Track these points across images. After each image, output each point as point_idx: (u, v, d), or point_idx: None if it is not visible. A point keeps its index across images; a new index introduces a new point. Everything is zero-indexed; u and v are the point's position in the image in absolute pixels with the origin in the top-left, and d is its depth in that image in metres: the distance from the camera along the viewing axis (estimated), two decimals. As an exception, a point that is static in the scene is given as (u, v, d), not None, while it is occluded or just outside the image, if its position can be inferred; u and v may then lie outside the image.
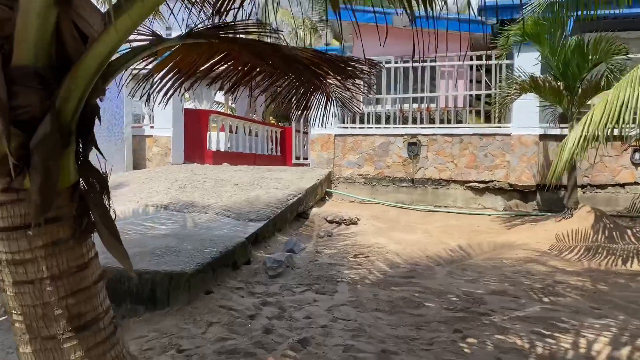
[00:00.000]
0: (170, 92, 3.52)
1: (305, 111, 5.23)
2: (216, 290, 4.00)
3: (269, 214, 5.67)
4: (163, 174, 7.99)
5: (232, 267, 4.45)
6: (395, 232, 6.58)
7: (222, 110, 14.27)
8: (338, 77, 3.92)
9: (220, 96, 17.70)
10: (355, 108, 5.50)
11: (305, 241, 5.87)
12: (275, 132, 14.04)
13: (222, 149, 11.09)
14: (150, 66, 3.31)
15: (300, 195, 6.57)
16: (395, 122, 8.75)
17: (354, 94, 5.27)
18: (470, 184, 8.00)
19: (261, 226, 5.24)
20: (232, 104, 13.73)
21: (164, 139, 9.39)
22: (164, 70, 3.24)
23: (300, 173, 7.99)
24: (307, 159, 9.90)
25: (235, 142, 11.56)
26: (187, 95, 14.78)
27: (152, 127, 9.67)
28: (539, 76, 6.41)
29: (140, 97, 3.42)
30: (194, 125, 10.13)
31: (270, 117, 18.42)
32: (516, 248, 5.72)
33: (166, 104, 3.27)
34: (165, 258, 4.12)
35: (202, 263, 3.97)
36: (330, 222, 6.76)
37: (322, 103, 5.28)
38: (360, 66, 3.82)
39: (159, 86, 3.30)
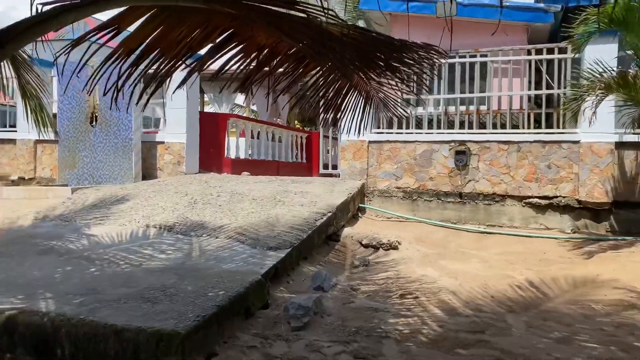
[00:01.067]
0: (153, 86, 2.60)
1: (338, 114, 4.25)
2: (221, 352, 3.04)
3: (293, 239, 4.69)
4: (173, 186, 7.12)
5: (245, 315, 3.48)
6: (446, 260, 5.51)
7: (243, 114, 13.43)
8: (391, 69, 2.93)
9: (241, 99, 16.91)
10: (401, 110, 4.51)
11: (336, 272, 4.87)
12: (301, 137, 13.12)
13: (242, 157, 10.21)
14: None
15: (330, 214, 5.58)
16: (439, 127, 7.69)
17: (402, 92, 4.27)
18: (530, 200, 6.87)
19: (283, 257, 4.26)
20: (253, 105, 12.87)
21: (177, 145, 8.54)
22: (136, 51, 2.32)
23: (330, 185, 7.01)
24: (336, 167, 8.91)
25: (257, 148, 10.67)
26: (206, 98, 14.01)
27: (162, 133, 8.84)
28: (629, 71, 5.28)
29: (106, 92, 2.52)
30: (211, 131, 9.28)
31: (295, 121, 17.52)
32: (604, 286, 4.59)
33: (145, 104, 2.34)
34: (157, 306, 3.18)
35: (203, 315, 3.01)
36: (366, 246, 5.75)
37: (359, 104, 4.30)
38: (425, 53, 2.83)
39: (133, 76, 2.38)
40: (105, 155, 8.22)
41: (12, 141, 9.49)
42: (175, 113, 8.54)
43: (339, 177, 7.87)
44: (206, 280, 3.67)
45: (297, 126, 17.42)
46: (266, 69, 3.16)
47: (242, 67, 3.21)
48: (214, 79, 2.83)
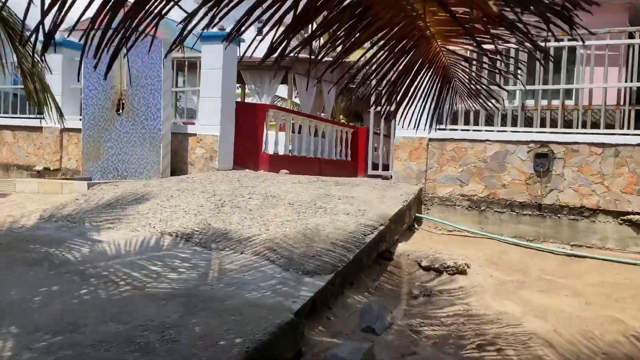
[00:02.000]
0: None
1: (404, 102, 3.29)
2: None
3: (336, 260, 3.74)
4: (201, 184, 6.32)
5: (269, 372, 2.57)
6: (528, 290, 4.43)
7: (285, 107, 12.60)
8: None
9: (283, 91, 16.06)
10: (492, 102, 3.48)
11: (390, 304, 3.89)
12: (346, 132, 12.15)
13: (282, 152, 9.35)
14: None
15: (382, 228, 4.60)
16: (515, 124, 6.54)
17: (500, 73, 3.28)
18: (629, 217, 5.64)
19: (323, 286, 3.33)
20: (295, 98, 12.00)
21: (210, 138, 7.76)
22: None
23: (380, 190, 6.01)
24: (387, 168, 7.90)
25: (298, 144, 9.79)
26: (247, 90, 13.27)
27: (195, 124, 8.09)
28: None
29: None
30: (248, 123, 8.46)
31: (341, 116, 16.57)
32: None
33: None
34: (149, 357, 2.32)
35: (206, 380, 2.12)
36: (427, 268, 4.73)
37: (432, 89, 3.32)
38: None
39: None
40: (131, 146, 7.53)
41: (39, 129, 9.00)
42: (209, 103, 7.76)
43: (391, 179, 6.86)
44: (221, 317, 2.78)
45: (342, 121, 16.46)
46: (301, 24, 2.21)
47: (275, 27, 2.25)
48: (231, 39, 1.93)
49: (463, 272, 4.68)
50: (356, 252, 3.93)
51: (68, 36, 8.13)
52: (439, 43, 2.80)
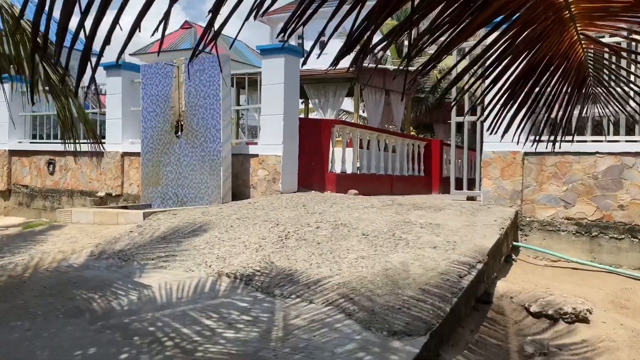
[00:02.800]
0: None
1: (523, 110, 2.57)
2: None
3: (429, 315, 2.99)
4: (263, 211, 5.78)
5: None
6: (678, 348, 3.46)
7: (351, 121, 11.99)
8: None
9: (349, 104, 15.45)
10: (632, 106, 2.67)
11: (499, 369, 3.08)
12: (418, 146, 11.32)
13: (349, 171, 8.70)
14: None
15: (480, 266, 3.79)
16: (631, 132, 5.51)
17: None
18: None
19: (417, 354, 2.59)
20: (362, 112, 11.35)
21: (273, 159, 7.25)
22: None
23: (469, 215, 5.19)
24: (471, 186, 7.03)
25: (367, 160, 9.10)
26: (310, 105, 12.79)
27: (257, 144, 7.62)
28: None
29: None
30: (313, 140, 7.89)
31: (410, 127, 15.73)
32: None
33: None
34: None
35: None
36: (537, 315, 3.86)
37: (560, 90, 2.59)
38: None
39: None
40: (190, 170, 7.17)
41: (101, 154, 8.90)
42: (271, 120, 7.27)
43: (479, 200, 6.01)
44: (286, 404, 2.13)
45: (412, 133, 15.62)
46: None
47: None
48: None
49: (584, 320, 3.77)
50: (453, 303, 3.16)
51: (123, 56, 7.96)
52: (578, 28, 2.04)
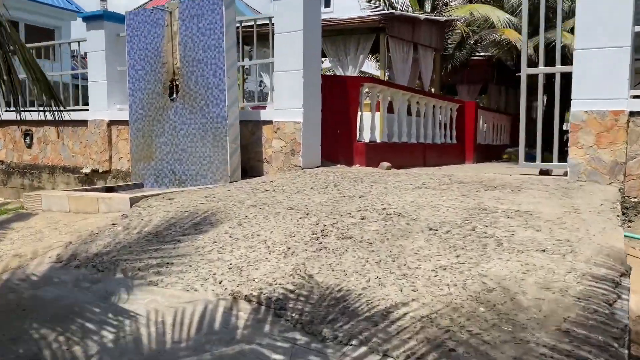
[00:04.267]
0: None
1: None
2: None
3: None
4: (284, 193, 4.56)
5: None
6: None
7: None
8: None
9: (369, 65, 13.95)
10: None
11: None
12: (451, 109, 9.99)
13: (379, 140, 7.44)
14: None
15: (626, 281, 2.58)
16: None
17: None
18: None
19: None
20: (387, 73, 9.95)
21: (291, 126, 5.99)
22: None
23: (561, 197, 3.96)
24: (531, 158, 5.76)
25: (398, 127, 7.82)
26: (325, 64, 11.39)
27: (269, 109, 6.34)
28: None
29: None
30: (338, 103, 6.60)
31: (432, 89, 14.30)
32: None
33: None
34: None
35: None
36: None
37: None
38: None
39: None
40: (189, 141, 5.92)
41: (84, 123, 7.66)
42: (288, 78, 5.97)
43: (566, 176, 4.77)
44: None
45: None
46: None
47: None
48: None
49: None
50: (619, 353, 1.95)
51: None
52: None
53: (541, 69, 5.08)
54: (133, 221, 4.12)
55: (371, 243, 3.23)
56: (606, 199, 3.89)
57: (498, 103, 16.26)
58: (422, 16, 9.90)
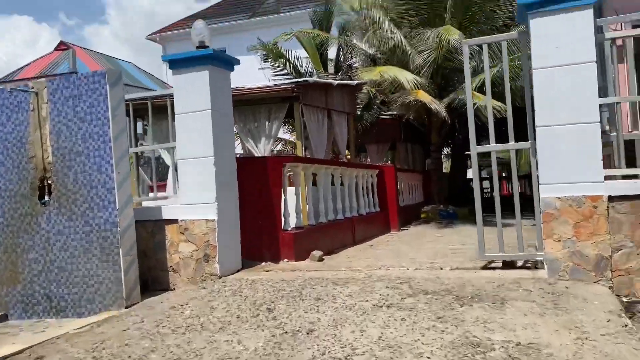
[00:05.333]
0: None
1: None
2: None
3: None
4: (203, 333, 3.41)
5: None
6: None
7: (294, 152, 9.82)
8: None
9: (284, 132, 13.11)
10: None
11: None
12: (371, 175, 9.39)
13: (306, 223, 6.52)
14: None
15: None
16: None
17: None
18: None
19: None
20: (304, 143, 9.18)
21: (202, 225, 4.87)
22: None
23: (557, 312, 3.22)
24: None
25: (324, 204, 6.97)
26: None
27: (173, 204, 5.19)
28: None
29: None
30: (258, 188, 5.62)
31: (347, 152, 13.83)
32: None
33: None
34: None
35: None
36: None
37: None
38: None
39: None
40: (69, 257, 4.58)
41: None
42: (196, 167, 4.91)
43: (547, 272, 4.10)
44: None
45: (348, 157, 13.78)
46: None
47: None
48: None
49: None
50: None
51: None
52: None
53: (493, 147, 4.49)
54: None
55: None
56: (609, 310, 3.21)
57: (406, 160, 16.28)
58: (335, 82, 9.36)
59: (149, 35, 27.13)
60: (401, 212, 10.44)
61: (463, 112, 12.59)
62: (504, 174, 33.01)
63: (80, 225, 4.56)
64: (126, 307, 4.41)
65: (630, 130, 4.23)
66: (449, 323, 3.19)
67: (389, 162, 16.97)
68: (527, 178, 23.27)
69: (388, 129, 15.29)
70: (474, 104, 10.79)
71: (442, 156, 17.02)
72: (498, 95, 8.86)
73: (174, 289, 4.99)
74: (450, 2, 11.54)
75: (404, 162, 15.67)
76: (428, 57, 11.58)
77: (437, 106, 10.96)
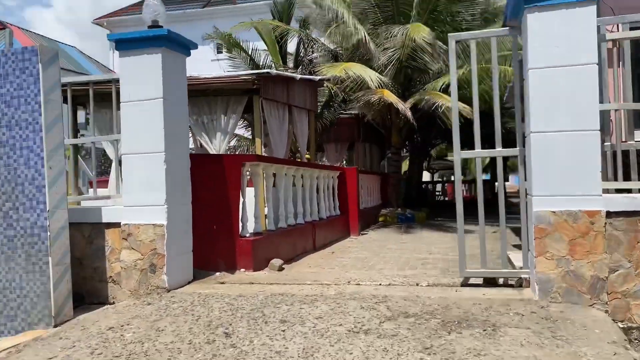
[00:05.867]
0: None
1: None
2: None
3: None
4: (143, 355, 2.85)
5: None
6: None
7: (253, 149, 9.24)
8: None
9: (242, 128, 12.47)
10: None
11: None
12: (332, 177, 8.97)
13: (265, 227, 6.00)
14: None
15: None
16: None
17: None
18: None
19: None
20: (263, 140, 8.62)
21: (149, 231, 4.27)
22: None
23: (557, 342, 2.87)
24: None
25: (284, 207, 6.47)
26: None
27: (115, 205, 4.56)
28: None
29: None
30: (214, 190, 5.06)
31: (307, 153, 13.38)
32: None
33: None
34: None
35: None
36: None
37: None
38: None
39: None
40: (-14, 265, 3.88)
41: None
42: (143, 163, 4.31)
43: (534, 291, 3.76)
44: None
45: (308, 157, 13.35)
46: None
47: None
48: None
49: None
50: None
51: None
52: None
53: (478, 152, 4.13)
54: None
55: None
56: (612, 341, 2.89)
57: (364, 161, 16.00)
58: (298, 76, 8.85)
59: (95, 19, 25.72)
60: (361, 216, 10.09)
61: (425, 113, 12.42)
62: (444, 178, 33.52)
63: (1, 229, 3.87)
64: (55, 326, 3.77)
65: (624, 140, 3.96)
66: (439, 355, 2.78)
67: (345, 163, 16.65)
68: (473, 182, 23.51)
69: (347, 129, 14.96)
70: (441, 106, 10.69)
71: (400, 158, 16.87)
72: (463, 98, 8.64)
73: (113, 303, 4.37)
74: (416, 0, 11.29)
75: (362, 163, 15.37)
76: (393, 55, 11.28)
77: (403, 106, 10.67)
